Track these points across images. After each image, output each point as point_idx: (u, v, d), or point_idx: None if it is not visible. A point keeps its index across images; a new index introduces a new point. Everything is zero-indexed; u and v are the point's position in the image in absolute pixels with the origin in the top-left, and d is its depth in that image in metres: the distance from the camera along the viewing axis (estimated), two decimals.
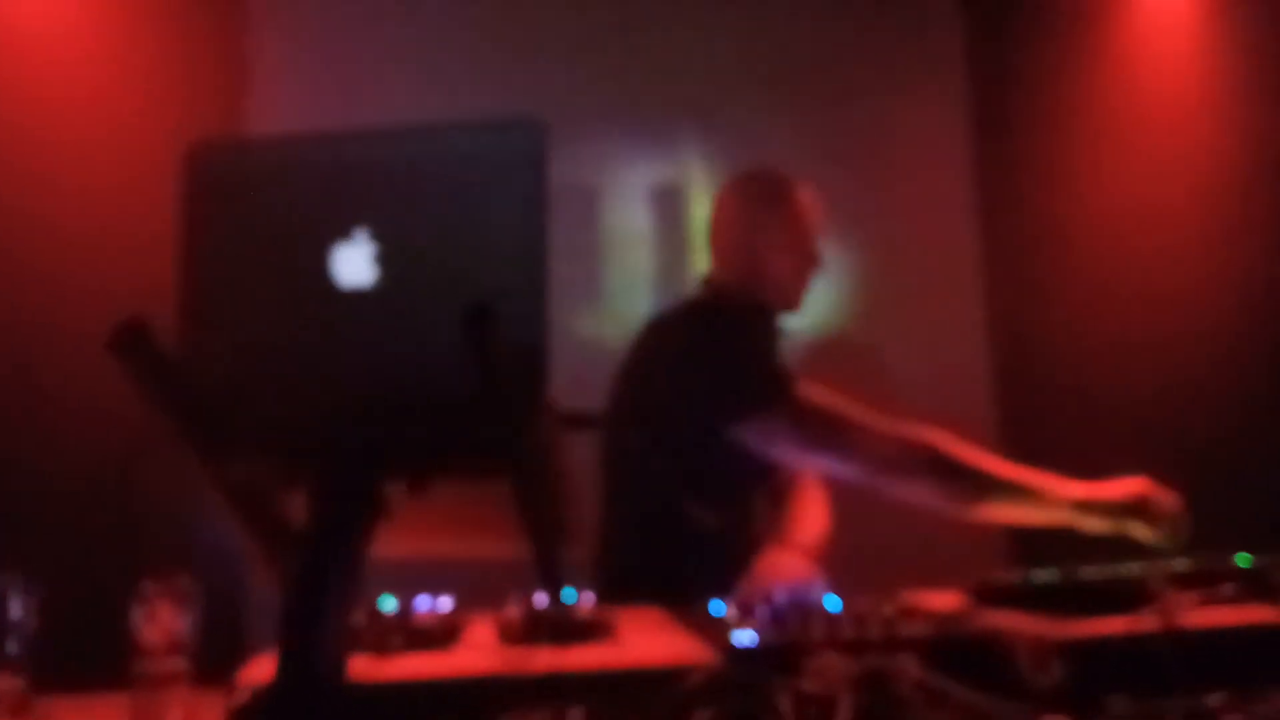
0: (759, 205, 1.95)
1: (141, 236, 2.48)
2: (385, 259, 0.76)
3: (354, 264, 0.76)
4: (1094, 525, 1.61)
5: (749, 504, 1.92)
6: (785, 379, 1.72)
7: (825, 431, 1.68)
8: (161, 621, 1.08)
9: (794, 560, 1.74)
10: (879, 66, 3.40)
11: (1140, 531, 1.59)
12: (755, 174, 2.01)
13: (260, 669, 0.97)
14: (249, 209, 0.81)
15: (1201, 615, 1.09)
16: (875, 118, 3.39)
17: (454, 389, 0.72)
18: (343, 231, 0.76)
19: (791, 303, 1.98)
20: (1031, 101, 3.42)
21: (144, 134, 2.77)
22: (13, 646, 1.19)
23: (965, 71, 3.48)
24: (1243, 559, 1.30)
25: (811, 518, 1.94)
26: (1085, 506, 1.61)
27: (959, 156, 3.47)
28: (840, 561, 1.85)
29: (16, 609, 1.19)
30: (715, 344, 1.79)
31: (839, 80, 3.35)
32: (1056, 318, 3.33)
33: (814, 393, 1.70)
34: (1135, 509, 1.58)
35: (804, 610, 1.18)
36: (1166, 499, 1.61)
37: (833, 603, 1.21)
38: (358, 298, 0.76)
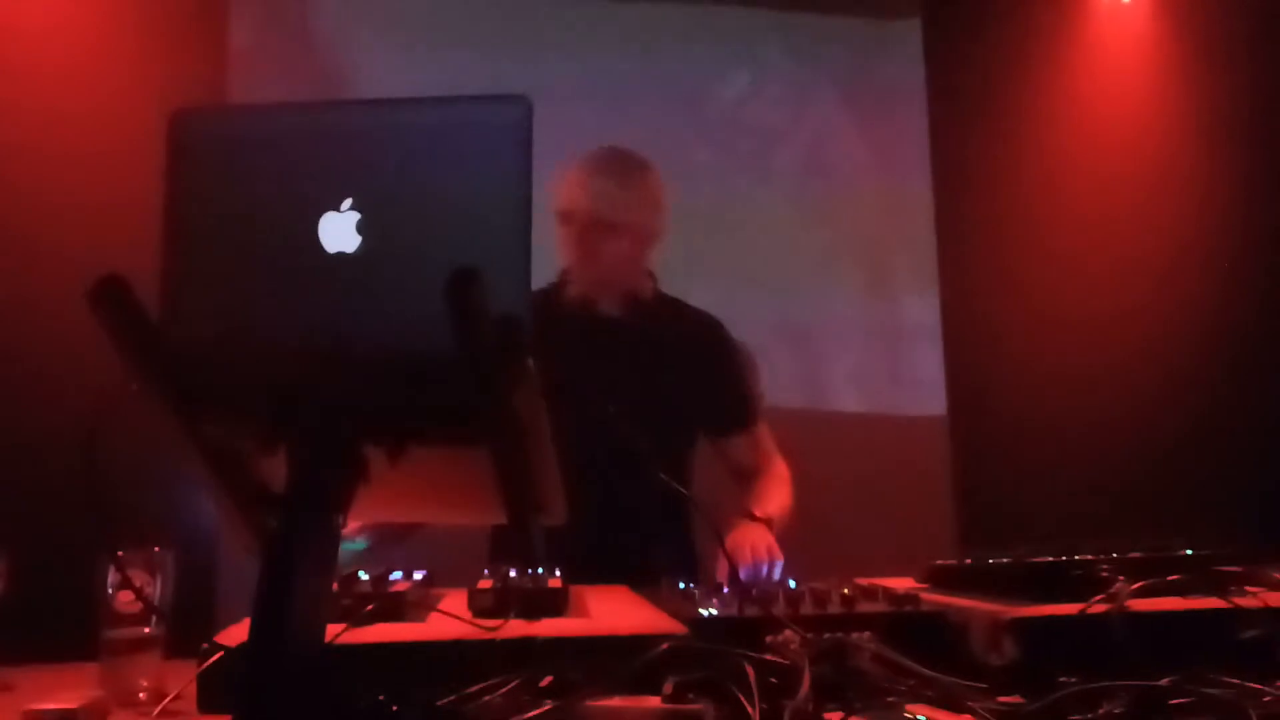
0: None
1: (119, 202, 2.49)
2: (370, 226, 0.77)
3: (338, 230, 0.77)
4: None
5: None
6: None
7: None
8: (132, 590, 1.08)
9: (760, 535, 1.78)
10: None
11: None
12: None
13: (232, 635, 0.98)
14: (233, 175, 0.81)
15: (1150, 601, 1.13)
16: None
17: (435, 355, 0.73)
18: (328, 198, 0.77)
19: None
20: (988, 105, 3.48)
21: (126, 102, 2.77)
22: None
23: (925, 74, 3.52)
24: (1187, 551, 1.34)
25: (775, 494, 1.99)
26: None
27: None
28: (798, 549, 1.88)
29: None
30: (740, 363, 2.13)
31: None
32: (1010, 307, 3.40)
33: None
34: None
35: (768, 587, 1.21)
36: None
37: (790, 581, 1.24)
38: (341, 263, 0.77)
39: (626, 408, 1.80)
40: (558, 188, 1.95)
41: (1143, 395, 3.28)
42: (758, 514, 1.87)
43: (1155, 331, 3.33)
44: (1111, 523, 3.02)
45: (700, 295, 2.17)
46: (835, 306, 3.37)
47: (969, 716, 0.77)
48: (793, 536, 1.92)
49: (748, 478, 2.07)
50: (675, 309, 2.09)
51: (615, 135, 2.08)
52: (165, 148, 0.82)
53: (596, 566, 1.42)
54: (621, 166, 1.98)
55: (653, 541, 1.91)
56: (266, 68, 3.04)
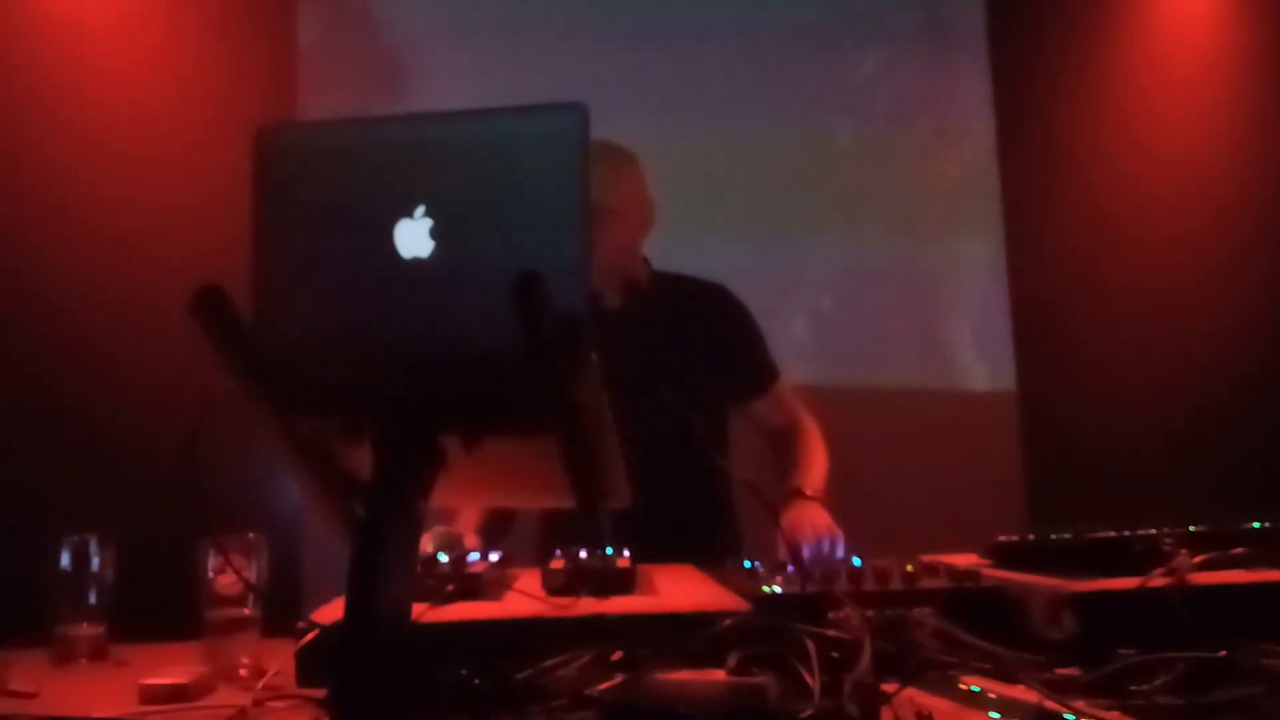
0: None
1: (205, 201, 2.61)
2: (442, 232, 0.82)
3: (413, 237, 0.83)
4: None
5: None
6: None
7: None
8: (231, 573, 1.16)
9: (818, 514, 1.81)
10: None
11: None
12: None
13: (324, 614, 1.05)
14: (314, 186, 0.87)
15: (1211, 575, 1.12)
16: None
17: (504, 352, 0.78)
18: (403, 207, 0.83)
19: None
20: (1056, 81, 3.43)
21: (199, 100, 2.90)
22: (92, 597, 1.28)
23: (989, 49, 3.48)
24: (1255, 524, 1.33)
25: (815, 462, 2.01)
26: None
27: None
28: (864, 526, 1.90)
29: (95, 562, 1.28)
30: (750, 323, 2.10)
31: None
32: (1080, 284, 3.35)
33: None
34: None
35: (831, 565, 1.24)
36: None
37: (855, 559, 1.27)
38: (416, 268, 0.82)
39: (653, 396, 1.87)
40: None
41: (1214, 373, 3.22)
42: (808, 492, 1.88)
43: (1226, 309, 3.26)
44: (1182, 498, 2.97)
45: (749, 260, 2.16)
46: (904, 281, 3.36)
47: (1022, 687, 0.80)
48: (859, 513, 1.94)
49: (779, 438, 2.08)
50: (675, 285, 2.09)
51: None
52: (252, 161, 0.88)
53: (644, 548, 1.47)
54: (611, 155, 1.99)
55: (698, 522, 1.95)
56: (334, 65, 3.13)
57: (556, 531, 1.90)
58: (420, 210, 0.83)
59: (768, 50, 3.32)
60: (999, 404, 3.33)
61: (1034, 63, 3.42)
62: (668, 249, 2.13)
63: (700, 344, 2.03)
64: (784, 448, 2.06)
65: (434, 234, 0.82)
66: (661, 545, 1.49)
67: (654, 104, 3.10)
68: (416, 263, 0.83)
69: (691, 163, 3.05)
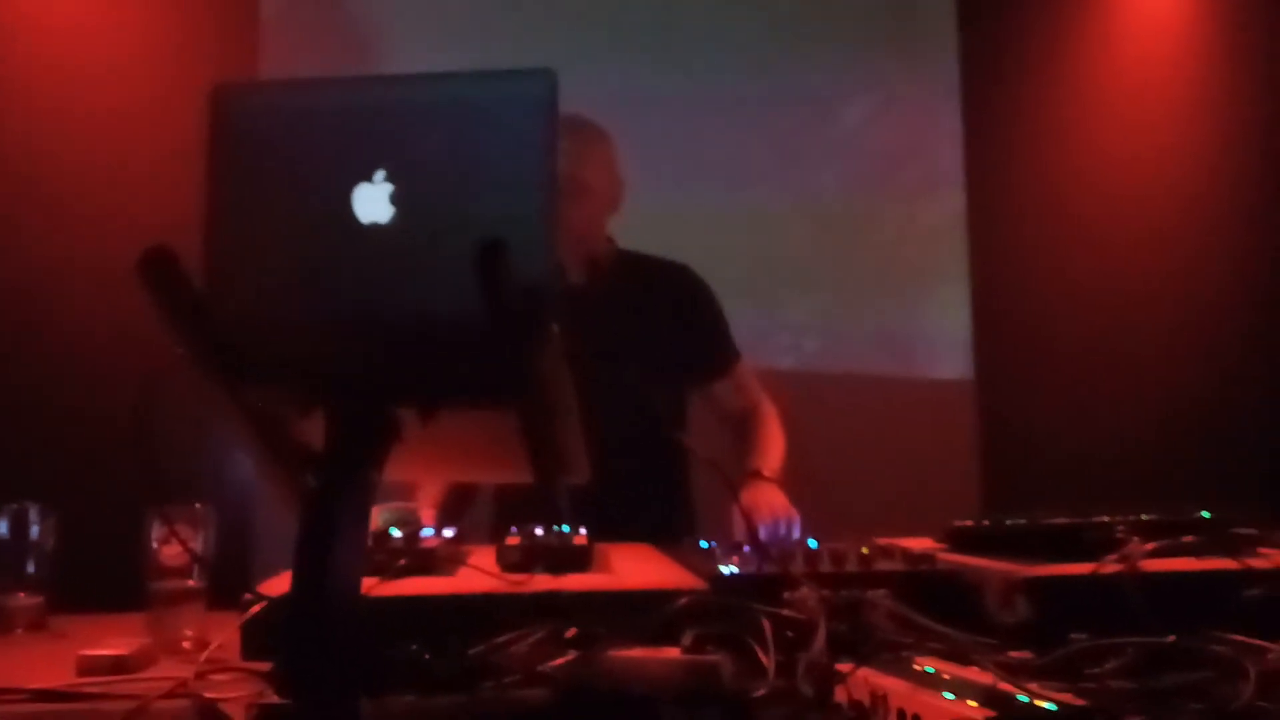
0: None
1: (158, 169, 2.54)
2: (402, 198, 0.80)
3: (372, 201, 0.80)
4: None
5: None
6: None
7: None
8: (176, 544, 1.13)
9: (775, 495, 1.82)
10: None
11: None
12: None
13: (271, 587, 1.03)
14: (270, 147, 0.84)
15: (1162, 563, 1.14)
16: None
17: (463, 322, 0.77)
18: (362, 171, 0.80)
19: None
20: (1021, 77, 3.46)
21: (158, 72, 2.83)
22: (31, 566, 1.24)
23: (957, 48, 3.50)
24: (1204, 514, 1.35)
25: (773, 444, 2.01)
26: None
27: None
28: (821, 509, 1.91)
29: (35, 530, 1.24)
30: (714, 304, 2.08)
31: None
32: (1039, 275, 3.40)
33: None
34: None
35: (788, 546, 1.24)
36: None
37: (810, 541, 1.28)
38: (375, 234, 0.80)
39: (615, 371, 1.86)
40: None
41: (1167, 363, 3.28)
42: (765, 472, 1.89)
43: (1179, 300, 3.32)
44: (1135, 488, 3.03)
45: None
46: (864, 270, 3.38)
47: (976, 669, 0.80)
48: (817, 496, 1.95)
49: (737, 422, 2.08)
50: (639, 264, 2.07)
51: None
52: (207, 121, 0.85)
53: (600, 525, 1.47)
54: (583, 129, 1.96)
55: (655, 501, 1.95)
56: (296, 38, 3.07)
57: (512, 508, 1.89)
58: (380, 175, 0.80)
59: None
60: (957, 392, 3.36)
61: (999, 57, 3.45)
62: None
63: (662, 324, 2.02)
64: (742, 430, 2.05)
65: (394, 199, 0.80)
66: (618, 523, 1.49)
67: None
68: (375, 228, 0.80)
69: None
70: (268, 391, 0.85)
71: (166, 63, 2.83)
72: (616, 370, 1.87)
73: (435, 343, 0.80)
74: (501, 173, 0.80)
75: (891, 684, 0.75)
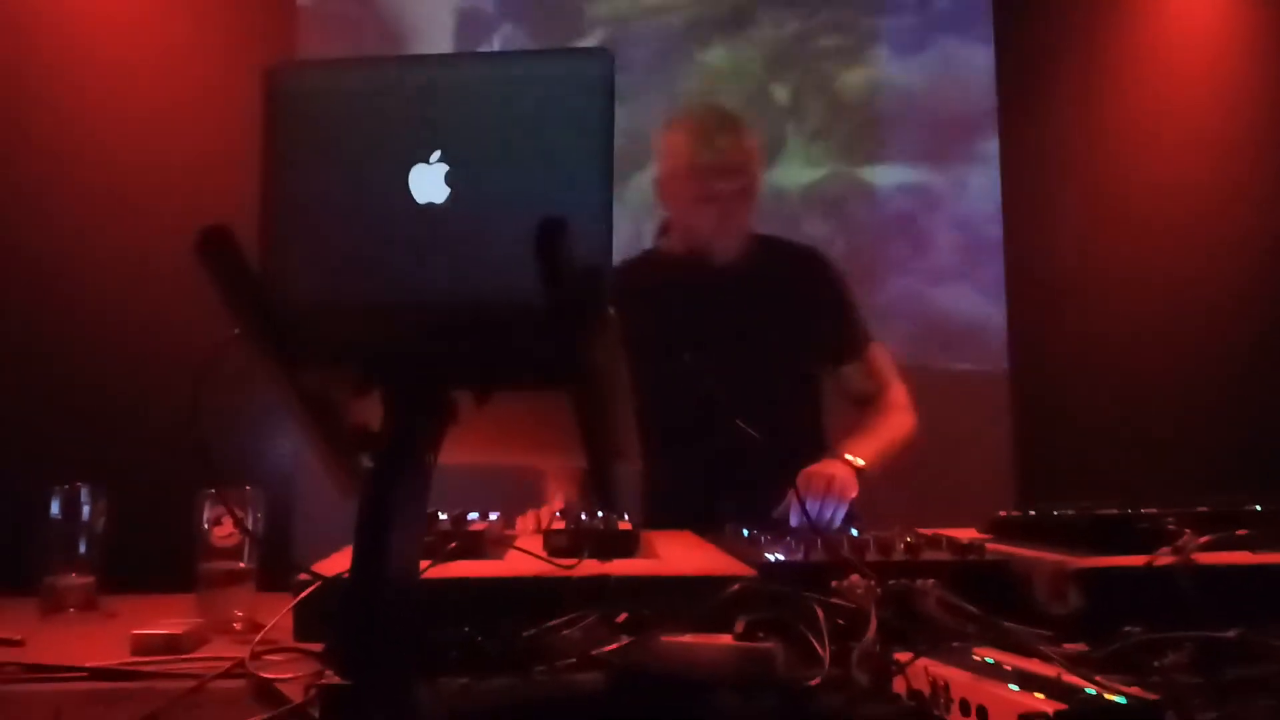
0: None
1: (209, 155, 2.56)
2: (458, 178, 0.79)
3: (428, 181, 0.80)
4: None
5: None
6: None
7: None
8: (227, 524, 1.14)
9: (835, 468, 1.79)
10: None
11: None
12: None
13: (324, 568, 1.03)
14: (326, 128, 0.84)
15: (1216, 555, 1.12)
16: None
17: (520, 304, 0.76)
18: (418, 151, 0.80)
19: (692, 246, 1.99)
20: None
21: (199, 60, 2.86)
22: (82, 546, 1.25)
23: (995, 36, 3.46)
24: (1256, 506, 1.33)
25: (880, 432, 1.99)
26: None
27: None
28: (859, 502, 1.90)
29: (86, 511, 1.25)
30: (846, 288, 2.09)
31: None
32: (1074, 264, 3.36)
33: None
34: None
35: (827, 532, 1.23)
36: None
37: (855, 530, 1.27)
38: (431, 214, 0.80)
39: (741, 352, 1.87)
40: (672, 145, 1.94)
41: (1203, 356, 3.24)
42: (848, 455, 1.86)
43: (1217, 293, 3.27)
44: (1171, 480, 2.99)
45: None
46: (903, 264, 3.35)
47: (1037, 660, 0.79)
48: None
49: (865, 406, 2.07)
50: (775, 246, 2.08)
51: None
52: (262, 102, 0.85)
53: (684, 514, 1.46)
54: (742, 124, 1.96)
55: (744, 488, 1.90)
56: (332, 25, 3.08)
57: (662, 495, 1.93)
58: (436, 155, 0.80)
59: None
60: (991, 383, 3.33)
61: (1036, 48, 3.40)
62: None
63: (796, 306, 2.02)
64: (863, 415, 2.05)
65: (450, 179, 0.80)
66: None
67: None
68: (431, 209, 0.80)
69: None
70: (324, 373, 0.85)
71: (212, 51, 2.86)
72: (680, 360, 1.88)
73: (491, 324, 0.79)
74: (558, 153, 0.79)
75: (953, 674, 0.74)
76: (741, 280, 1.99)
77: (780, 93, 3.36)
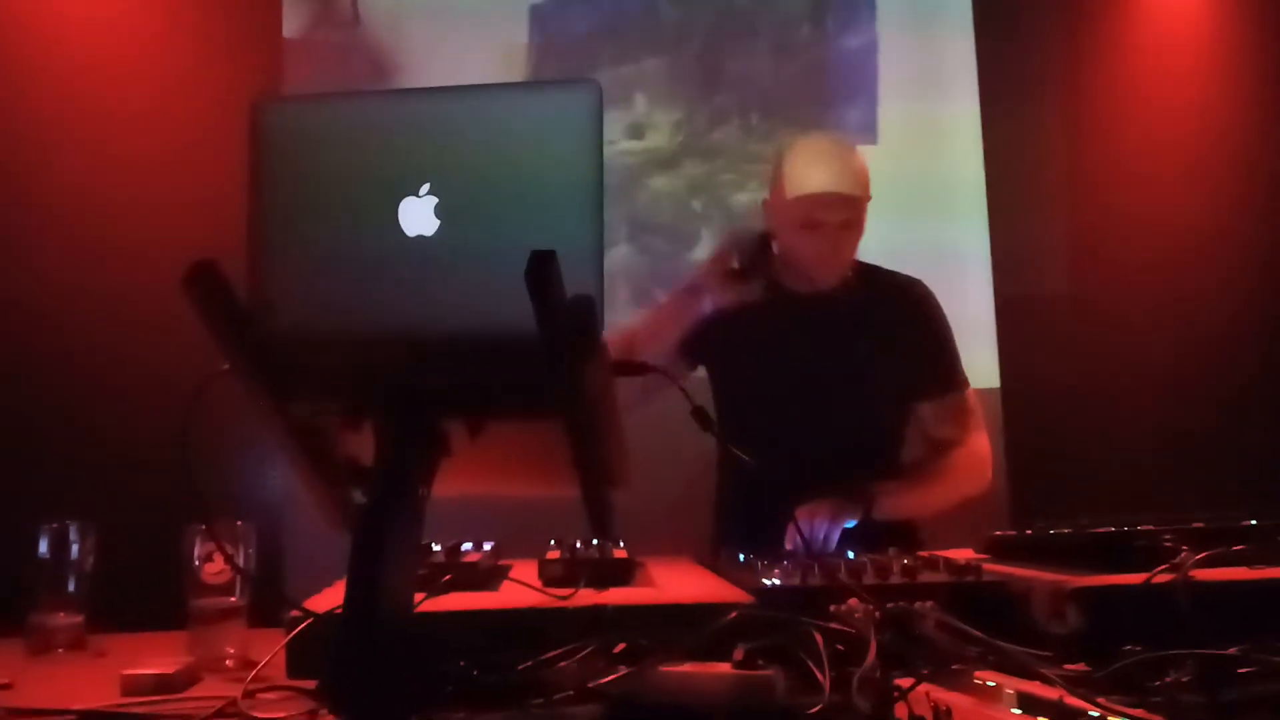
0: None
1: (195, 190, 2.56)
2: (447, 210, 0.79)
3: (418, 214, 0.80)
4: None
5: None
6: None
7: None
8: (217, 560, 1.13)
9: (838, 505, 1.76)
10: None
11: None
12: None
13: (316, 604, 1.02)
14: (314, 162, 0.84)
15: (1214, 572, 1.11)
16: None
17: (511, 334, 0.76)
18: (407, 184, 0.80)
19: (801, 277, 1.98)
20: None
21: (185, 94, 2.87)
22: (71, 585, 1.24)
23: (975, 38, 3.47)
24: (1251, 521, 1.33)
25: (920, 492, 1.93)
26: None
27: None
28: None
29: (75, 549, 1.24)
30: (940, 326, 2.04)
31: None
32: (1064, 279, 3.36)
33: None
34: None
35: (815, 548, 1.22)
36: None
37: (851, 553, 1.26)
38: (421, 246, 0.80)
39: (829, 379, 1.94)
40: (781, 172, 1.92)
41: (1195, 371, 3.25)
42: (872, 506, 1.80)
43: (1212, 304, 3.28)
44: (1162, 497, 2.99)
45: None
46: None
47: (1039, 683, 0.78)
48: None
49: (941, 452, 1.98)
50: (876, 275, 2.05)
51: None
52: (248, 137, 0.85)
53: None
54: (853, 152, 1.95)
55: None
56: (319, 58, 3.09)
57: (733, 527, 1.95)
58: (425, 188, 0.80)
59: None
60: (982, 401, 3.33)
61: (1018, 53, 3.42)
62: None
63: (888, 337, 1.98)
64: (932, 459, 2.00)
65: (439, 212, 0.80)
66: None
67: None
68: (421, 241, 0.80)
69: None
70: (315, 405, 0.84)
71: (198, 85, 2.86)
72: (837, 378, 1.93)
73: (483, 355, 0.79)
74: (547, 184, 0.79)
75: (955, 699, 0.74)
76: (837, 307, 1.97)
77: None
